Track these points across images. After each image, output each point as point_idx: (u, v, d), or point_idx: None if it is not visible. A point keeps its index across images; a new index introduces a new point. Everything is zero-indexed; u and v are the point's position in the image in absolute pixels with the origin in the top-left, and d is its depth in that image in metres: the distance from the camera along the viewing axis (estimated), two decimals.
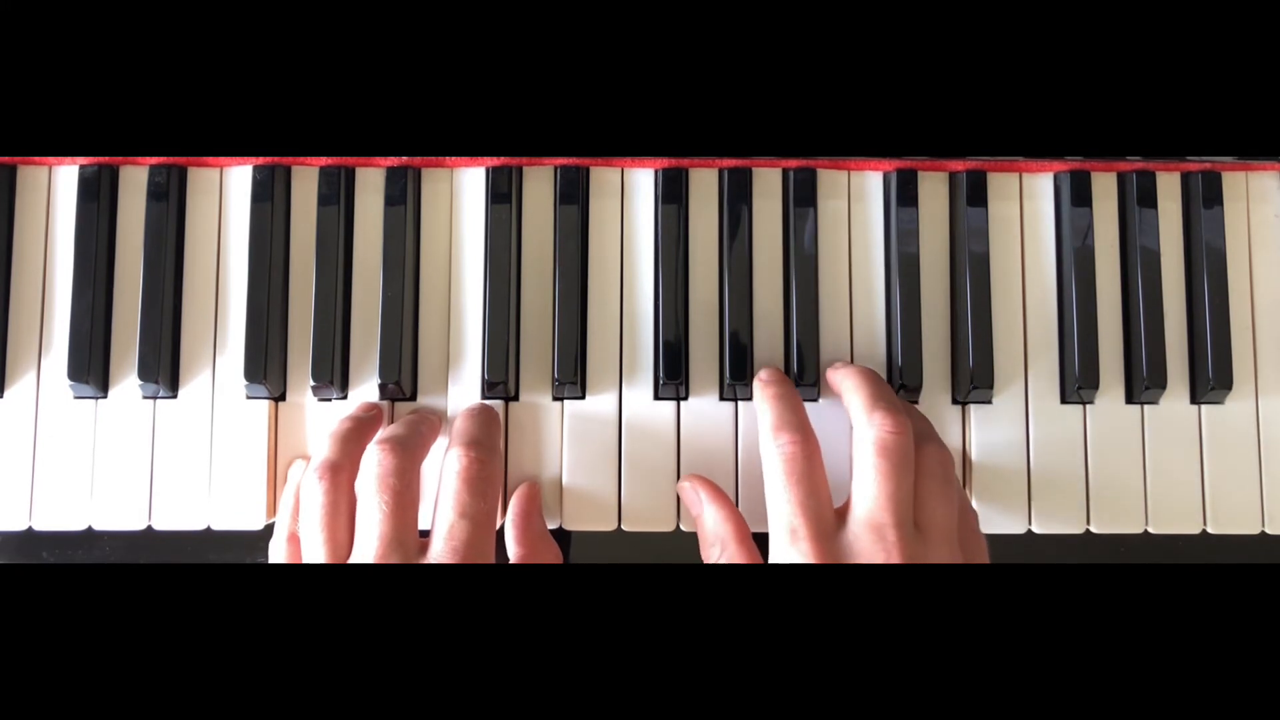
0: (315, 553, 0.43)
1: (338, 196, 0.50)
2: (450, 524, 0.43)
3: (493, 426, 0.47)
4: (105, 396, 0.50)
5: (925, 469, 0.44)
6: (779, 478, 0.44)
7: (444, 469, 0.44)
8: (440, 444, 0.49)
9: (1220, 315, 0.50)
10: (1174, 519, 0.50)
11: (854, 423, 0.45)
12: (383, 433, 0.46)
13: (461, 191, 0.51)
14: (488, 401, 0.50)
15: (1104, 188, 0.52)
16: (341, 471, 0.44)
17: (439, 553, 0.42)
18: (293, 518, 0.47)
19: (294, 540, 0.46)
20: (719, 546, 0.47)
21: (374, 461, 0.43)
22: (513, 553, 0.48)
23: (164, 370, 0.49)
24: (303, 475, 0.46)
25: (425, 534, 0.44)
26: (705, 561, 0.47)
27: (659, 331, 0.50)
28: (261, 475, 0.49)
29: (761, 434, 0.46)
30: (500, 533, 0.48)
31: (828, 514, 0.43)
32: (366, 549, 0.42)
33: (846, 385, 0.47)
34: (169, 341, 0.50)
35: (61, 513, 0.49)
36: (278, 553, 0.47)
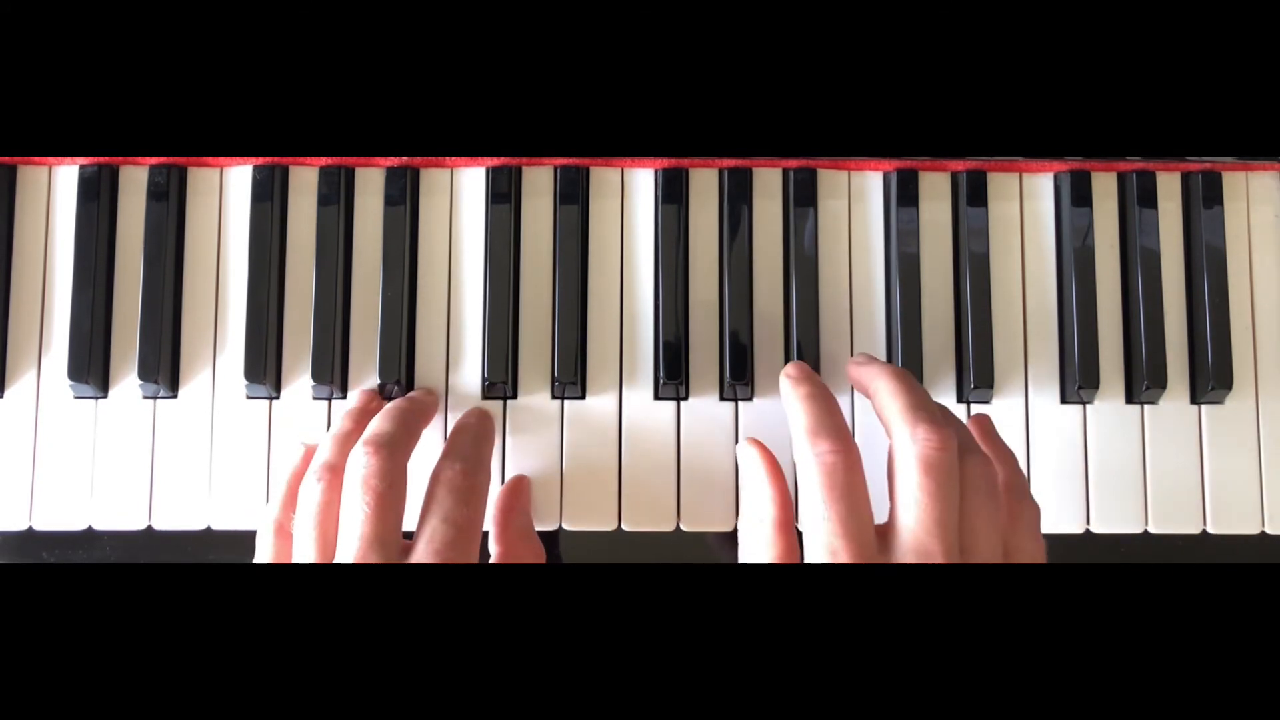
0: (305, 550, 0.43)
1: (338, 196, 0.50)
2: (433, 528, 0.43)
3: (483, 443, 0.47)
4: (105, 396, 0.50)
5: (970, 483, 0.41)
6: (817, 491, 0.41)
7: (431, 477, 0.45)
8: (436, 436, 0.49)
9: (1220, 315, 0.50)
10: (1174, 519, 0.50)
11: (893, 433, 0.42)
12: (370, 429, 0.45)
13: (461, 191, 0.51)
14: (484, 406, 0.50)
15: (1104, 188, 0.52)
16: (339, 473, 0.44)
17: (421, 554, 0.42)
18: (282, 508, 0.47)
19: (281, 532, 0.46)
20: (758, 525, 0.44)
21: (359, 463, 0.43)
22: (493, 551, 0.48)
23: (164, 370, 0.49)
24: (303, 472, 0.46)
25: (409, 535, 0.44)
26: (740, 528, 0.46)
27: (659, 331, 0.50)
28: (261, 475, 0.49)
29: (795, 439, 0.43)
30: (485, 539, 0.48)
31: (869, 535, 0.41)
32: (348, 548, 0.42)
33: (881, 387, 0.44)
34: (169, 341, 0.50)
35: (61, 513, 0.49)
36: (264, 540, 0.46)
